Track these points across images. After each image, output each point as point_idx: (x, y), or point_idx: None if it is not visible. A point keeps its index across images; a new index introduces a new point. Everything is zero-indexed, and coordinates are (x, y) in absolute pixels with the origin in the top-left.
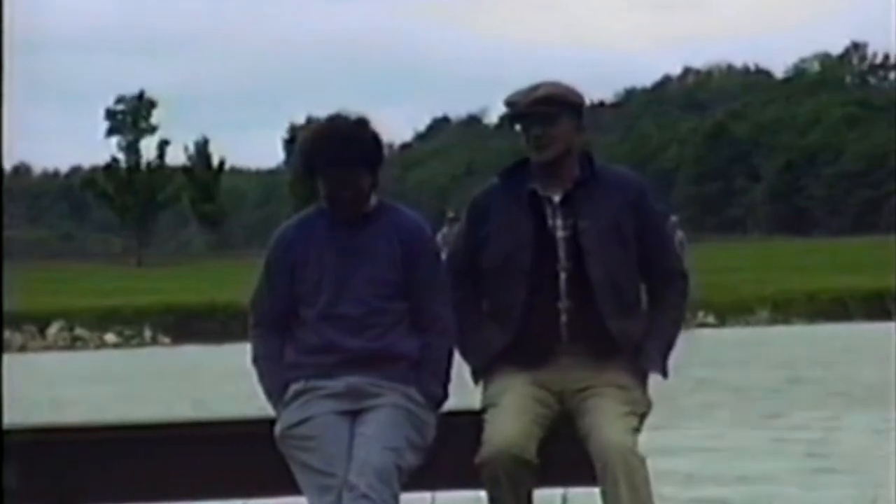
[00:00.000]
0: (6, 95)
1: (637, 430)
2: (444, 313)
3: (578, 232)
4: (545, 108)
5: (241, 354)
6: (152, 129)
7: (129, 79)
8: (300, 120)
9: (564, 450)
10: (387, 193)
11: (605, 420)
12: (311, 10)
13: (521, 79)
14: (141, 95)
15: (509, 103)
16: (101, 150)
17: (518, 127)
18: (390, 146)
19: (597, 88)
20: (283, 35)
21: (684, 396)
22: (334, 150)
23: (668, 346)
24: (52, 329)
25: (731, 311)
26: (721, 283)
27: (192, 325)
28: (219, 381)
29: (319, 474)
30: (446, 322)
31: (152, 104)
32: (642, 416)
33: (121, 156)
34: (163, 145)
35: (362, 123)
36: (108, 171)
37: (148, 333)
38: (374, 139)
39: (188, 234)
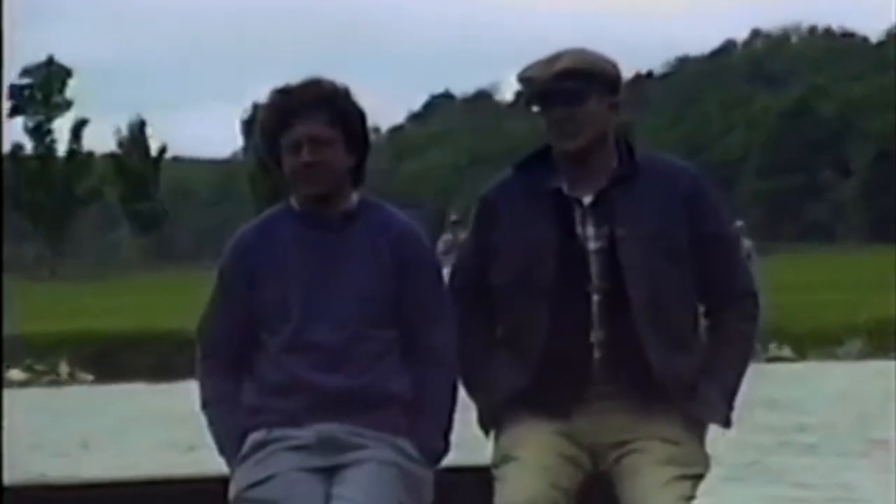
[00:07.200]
0: None
1: (690, 497)
2: (444, 342)
3: (615, 242)
4: (570, 83)
5: (184, 395)
6: (67, 105)
7: (38, 47)
8: (262, 98)
9: None
10: (372, 189)
11: (649, 487)
12: None
13: (544, 49)
14: (50, 62)
15: (525, 79)
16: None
17: (537, 108)
18: (376, 130)
19: (640, 58)
20: None
21: None
22: (304, 106)
23: (733, 387)
24: None
25: (813, 342)
26: (800, 305)
27: (121, 357)
28: (154, 429)
29: None
30: (446, 353)
31: (67, 73)
32: (697, 479)
33: (28, 141)
34: (79, 125)
35: (344, 91)
36: (13, 159)
37: (65, 369)
38: (358, 112)
39: (117, 239)
